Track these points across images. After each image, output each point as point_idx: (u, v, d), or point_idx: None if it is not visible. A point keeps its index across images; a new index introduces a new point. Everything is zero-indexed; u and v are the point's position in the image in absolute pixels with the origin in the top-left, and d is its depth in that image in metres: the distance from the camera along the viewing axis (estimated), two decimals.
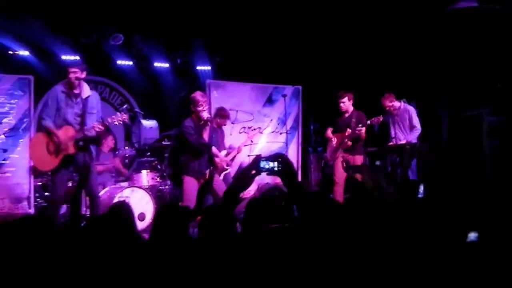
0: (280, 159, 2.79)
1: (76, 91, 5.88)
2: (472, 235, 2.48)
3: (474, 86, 8.19)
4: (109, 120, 6.01)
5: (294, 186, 2.76)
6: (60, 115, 5.85)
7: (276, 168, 2.78)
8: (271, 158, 2.81)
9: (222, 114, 7.67)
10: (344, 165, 7.14)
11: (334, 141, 7.42)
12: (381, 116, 7.20)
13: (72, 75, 5.83)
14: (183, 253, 2.70)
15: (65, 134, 5.80)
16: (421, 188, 7.56)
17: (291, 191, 2.76)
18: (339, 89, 7.48)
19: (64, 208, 6.99)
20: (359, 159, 7.29)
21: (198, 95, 6.26)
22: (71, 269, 2.61)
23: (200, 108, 6.10)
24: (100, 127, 5.87)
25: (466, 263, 2.28)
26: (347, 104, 7.38)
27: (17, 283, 2.50)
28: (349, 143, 7.20)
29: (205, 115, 6.12)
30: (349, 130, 7.18)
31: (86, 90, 5.99)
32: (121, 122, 6.23)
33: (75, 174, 6.63)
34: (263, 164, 2.79)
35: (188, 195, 6.06)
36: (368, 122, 7.16)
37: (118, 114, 6.09)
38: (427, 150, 7.67)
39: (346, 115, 7.41)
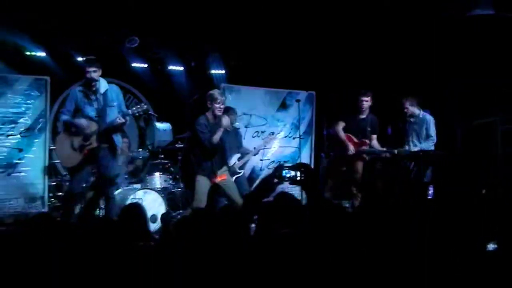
0: (303, 169, 2.80)
1: (93, 88, 6.00)
2: (491, 246, 2.48)
3: (487, 93, 8.14)
4: (131, 111, 6.12)
5: (316, 196, 2.77)
6: (82, 112, 5.99)
7: (298, 178, 2.79)
8: (293, 167, 2.83)
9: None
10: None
11: (351, 147, 7.37)
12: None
13: (89, 75, 5.96)
14: (193, 253, 2.71)
15: (88, 128, 5.94)
16: (431, 190, 7.54)
17: (312, 201, 2.77)
18: (353, 95, 7.46)
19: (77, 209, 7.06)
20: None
21: (216, 92, 6.39)
22: (83, 268, 2.63)
23: (217, 105, 6.16)
24: (122, 119, 5.98)
25: (477, 268, 2.27)
26: (369, 103, 7.34)
27: (31, 281, 2.53)
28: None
29: (219, 112, 6.22)
30: (366, 142, 7.19)
31: (103, 85, 6.11)
32: (141, 113, 6.29)
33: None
34: (285, 172, 2.80)
35: (199, 194, 6.07)
36: None
37: (141, 104, 6.28)
38: (441, 158, 7.61)
39: (362, 116, 7.35)
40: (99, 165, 6.02)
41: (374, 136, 7.27)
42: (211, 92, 6.38)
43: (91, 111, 6.01)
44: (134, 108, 6.18)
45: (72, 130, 6.03)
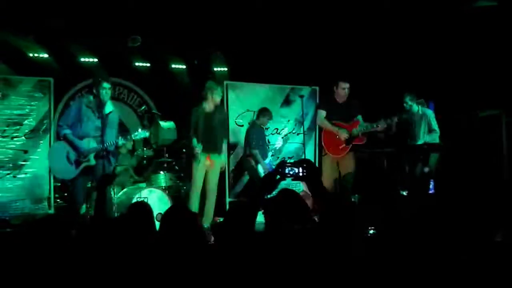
0: (305, 164, 2.79)
1: (100, 108, 6.02)
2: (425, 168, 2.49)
3: (491, 86, 8.12)
4: (131, 136, 6.25)
5: (319, 192, 2.76)
6: (82, 127, 6.01)
7: (301, 174, 2.78)
8: (296, 163, 2.83)
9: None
10: None
11: (344, 135, 7.02)
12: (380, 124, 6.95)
13: (102, 96, 6.01)
14: (198, 249, 2.72)
15: (87, 145, 5.96)
16: (432, 184, 7.53)
17: (316, 196, 2.77)
18: (356, 90, 7.40)
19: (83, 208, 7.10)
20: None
21: (213, 83, 7.28)
22: (90, 267, 2.64)
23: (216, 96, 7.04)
24: (123, 141, 6.19)
25: (480, 261, 2.27)
26: (348, 91, 7.12)
27: (37, 281, 2.54)
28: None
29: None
30: (358, 121, 7.00)
31: (108, 106, 6.15)
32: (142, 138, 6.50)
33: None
34: (288, 169, 2.80)
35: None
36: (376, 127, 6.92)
37: (140, 130, 6.32)
38: (444, 150, 7.60)
39: (342, 101, 7.17)
40: (97, 176, 5.98)
41: (360, 117, 7.10)
42: (209, 82, 6.98)
43: (91, 129, 6.04)
44: (136, 133, 6.27)
45: (70, 144, 6.02)
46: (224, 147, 7.47)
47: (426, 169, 7.38)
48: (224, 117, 7.49)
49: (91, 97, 6.17)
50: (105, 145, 5.94)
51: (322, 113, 7.21)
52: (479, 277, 2.18)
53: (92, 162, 5.98)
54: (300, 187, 7.83)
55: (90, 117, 6.05)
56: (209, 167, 7.11)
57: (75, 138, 5.98)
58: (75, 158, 5.98)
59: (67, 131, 6.01)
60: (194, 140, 6.97)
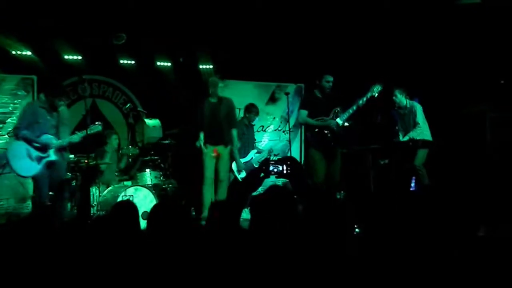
0: (289, 162, 2.80)
1: (52, 107, 6.45)
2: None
3: (474, 81, 8.18)
4: (86, 130, 6.63)
5: (304, 189, 2.77)
6: (39, 126, 6.34)
7: (285, 171, 2.79)
8: (280, 161, 2.83)
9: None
10: None
11: (332, 124, 7.05)
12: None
13: (56, 103, 6.44)
14: (185, 248, 2.71)
15: (46, 141, 6.31)
16: (413, 182, 7.55)
17: (300, 194, 2.77)
18: (340, 85, 7.41)
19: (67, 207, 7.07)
20: None
21: (216, 78, 7.70)
22: (75, 267, 2.62)
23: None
24: (74, 140, 6.55)
25: (463, 256, 2.29)
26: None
27: (22, 281, 2.52)
28: None
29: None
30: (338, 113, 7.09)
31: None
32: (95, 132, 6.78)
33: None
34: (272, 167, 2.80)
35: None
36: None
37: (91, 126, 6.66)
38: (431, 146, 7.63)
39: (323, 95, 7.22)
40: (54, 176, 6.43)
41: (339, 108, 7.14)
42: (212, 78, 7.67)
43: (47, 127, 6.37)
44: (91, 126, 6.64)
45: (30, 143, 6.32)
46: (232, 136, 7.62)
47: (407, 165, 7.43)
48: (229, 108, 7.61)
49: (43, 97, 6.57)
50: (60, 141, 6.38)
51: (304, 112, 7.28)
52: (462, 272, 2.20)
53: (53, 157, 6.35)
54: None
55: (45, 117, 6.36)
56: (217, 159, 7.45)
57: (33, 137, 6.28)
58: (36, 154, 6.28)
59: (25, 132, 6.28)
60: (201, 135, 7.40)
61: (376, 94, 7.05)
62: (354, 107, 7.02)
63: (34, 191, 6.88)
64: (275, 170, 2.80)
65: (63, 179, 6.59)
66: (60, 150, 6.46)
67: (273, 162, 2.81)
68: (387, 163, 7.64)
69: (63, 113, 6.55)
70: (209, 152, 7.39)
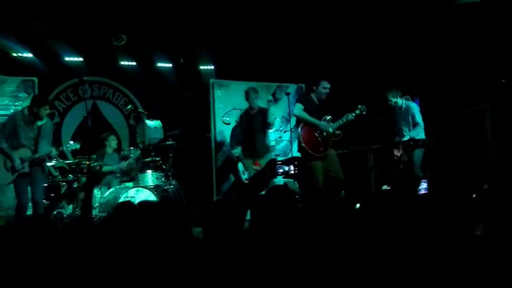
0: (296, 162, 2.81)
1: (32, 121, 6.53)
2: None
3: (475, 81, 8.18)
4: (63, 147, 7.12)
5: (310, 191, 2.78)
6: (17, 138, 6.48)
7: (292, 172, 2.80)
8: (286, 161, 2.84)
9: None
10: None
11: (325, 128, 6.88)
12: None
13: (41, 113, 6.52)
14: (187, 249, 2.71)
15: (22, 155, 6.44)
16: (423, 185, 7.54)
17: (307, 194, 2.78)
18: (341, 86, 7.39)
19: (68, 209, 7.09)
20: None
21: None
22: (76, 269, 2.63)
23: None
24: (51, 157, 6.82)
25: (466, 261, 2.29)
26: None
27: (25, 282, 2.52)
28: None
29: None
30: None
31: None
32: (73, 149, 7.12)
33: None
34: (278, 167, 2.81)
35: None
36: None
37: (71, 142, 7.01)
38: (432, 146, 7.63)
39: (319, 100, 7.17)
40: (31, 187, 6.57)
41: (329, 117, 7.08)
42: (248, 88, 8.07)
43: (26, 139, 6.48)
44: (68, 145, 7.11)
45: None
46: (267, 143, 7.59)
47: (406, 158, 7.41)
48: (264, 118, 7.79)
49: (26, 111, 6.57)
50: (37, 155, 6.49)
51: (300, 106, 7.05)
52: (459, 270, 2.20)
53: (27, 169, 6.46)
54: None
55: (24, 129, 6.48)
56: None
57: (11, 151, 6.43)
58: (11, 166, 6.44)
59: (4, 145, 6.43)
60: (239, 149, 7.59)
61: (364, 113, 7.02)
62: (344, 119, 6.92)
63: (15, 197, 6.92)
64: (282, 170, 2.81)
65: (35, 193, 6.61)
66: (37, 163, 6.56)
67: (280, 162, 2.82)
68: (387, 163, 7.62)
69: (45, 126, 6.65)
70: (250, 166, 7.11)
